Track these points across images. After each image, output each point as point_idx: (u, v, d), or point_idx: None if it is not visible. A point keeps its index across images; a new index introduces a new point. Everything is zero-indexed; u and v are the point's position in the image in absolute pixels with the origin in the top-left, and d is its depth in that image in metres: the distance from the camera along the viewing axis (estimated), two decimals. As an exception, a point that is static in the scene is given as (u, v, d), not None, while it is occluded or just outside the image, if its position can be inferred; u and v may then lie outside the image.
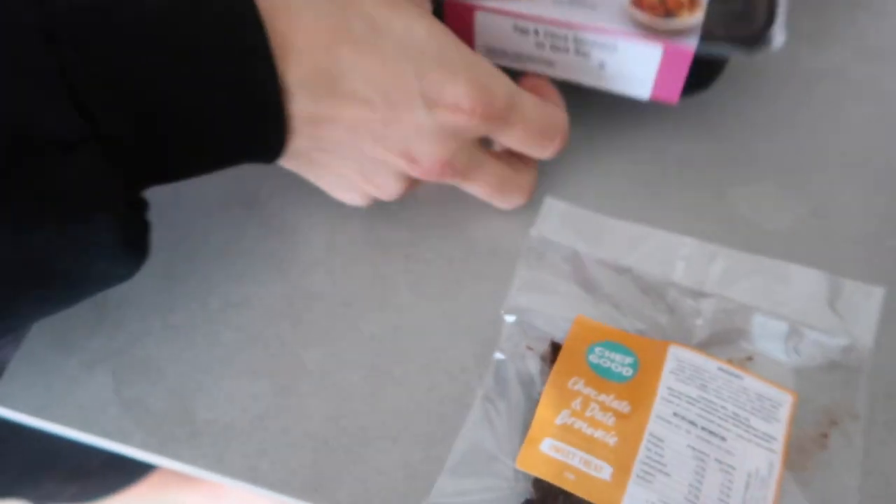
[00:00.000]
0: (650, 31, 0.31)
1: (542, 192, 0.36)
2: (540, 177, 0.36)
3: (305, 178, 0.33)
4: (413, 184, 0.32)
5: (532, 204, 0.35)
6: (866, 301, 0.32)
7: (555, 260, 0.33)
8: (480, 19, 0.33)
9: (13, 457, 0.58)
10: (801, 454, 0.28)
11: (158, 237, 0.36)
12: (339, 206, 0.36)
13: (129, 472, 0.72)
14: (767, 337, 0.31)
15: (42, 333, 0.33)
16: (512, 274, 0.33)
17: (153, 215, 0.36)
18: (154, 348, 0.33)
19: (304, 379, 0.32)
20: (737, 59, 0.41)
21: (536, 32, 0.32)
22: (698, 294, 0.32)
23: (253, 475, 0.30)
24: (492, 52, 0.34)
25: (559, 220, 0.35)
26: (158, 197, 0.37)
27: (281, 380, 0.32)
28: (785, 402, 0.29)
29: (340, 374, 0.32)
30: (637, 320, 0.32)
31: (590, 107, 0.38)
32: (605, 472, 0.27)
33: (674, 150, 0.38)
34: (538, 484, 0.28)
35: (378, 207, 0.36)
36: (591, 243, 0.34)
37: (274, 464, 0.30)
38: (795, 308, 0.31)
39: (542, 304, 0.32)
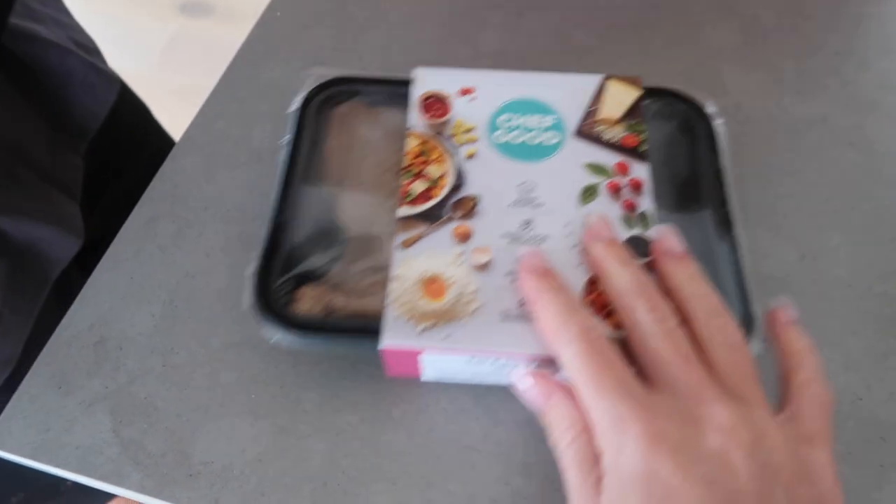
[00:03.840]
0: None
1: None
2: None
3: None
4: None
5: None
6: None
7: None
8: (427, 359, 0.30)
9: None
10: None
11: (160, 278, 0.36)
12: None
13: (98, 494, 0.71)
14: None
15: (40, 374, 0.34)
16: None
17: (155, 257, 0.37)
18: (153, 388, 0.33)
19: (302, 419, 0.32)
20: (724, 110, 0.42)
21: (496, 360, 0.29)
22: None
23: (250, 518, 0.30)
24: (443, 374, 0.31)
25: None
26: (160, 239, 0.38)
27: (280, 420, 0.32)
28: None
29: (339, 416, 0.32)
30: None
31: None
32: None
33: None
34: None
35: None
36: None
37: (272, 506, 0.30)
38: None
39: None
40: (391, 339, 0.29)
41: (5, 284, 0.38)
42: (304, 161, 0.36)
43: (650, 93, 0.37)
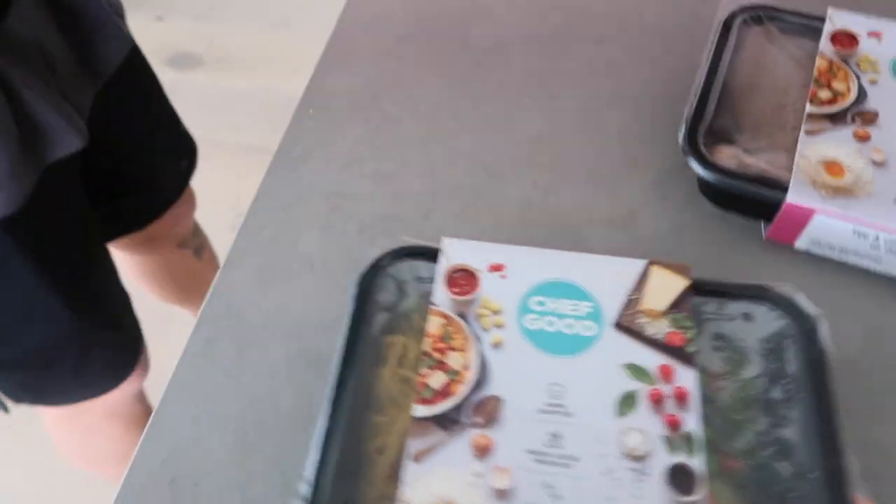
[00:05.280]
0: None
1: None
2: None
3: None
4: None
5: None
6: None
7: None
8: (817, 220, 0.37)
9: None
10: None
11: (228, 406, 0.36)
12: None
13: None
14: None
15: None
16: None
17: (219, 383, 0.36)
18: (235, 530, 0.32)
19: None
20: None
21: (876, 238, 0.36)
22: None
23: None
24: (817, 244, 0.38)
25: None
26: (223, 362, 0.37)
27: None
28: None
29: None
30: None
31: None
32: None
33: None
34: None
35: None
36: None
37: None
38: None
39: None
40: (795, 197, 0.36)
41: (17, 149, 0.43)
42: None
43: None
